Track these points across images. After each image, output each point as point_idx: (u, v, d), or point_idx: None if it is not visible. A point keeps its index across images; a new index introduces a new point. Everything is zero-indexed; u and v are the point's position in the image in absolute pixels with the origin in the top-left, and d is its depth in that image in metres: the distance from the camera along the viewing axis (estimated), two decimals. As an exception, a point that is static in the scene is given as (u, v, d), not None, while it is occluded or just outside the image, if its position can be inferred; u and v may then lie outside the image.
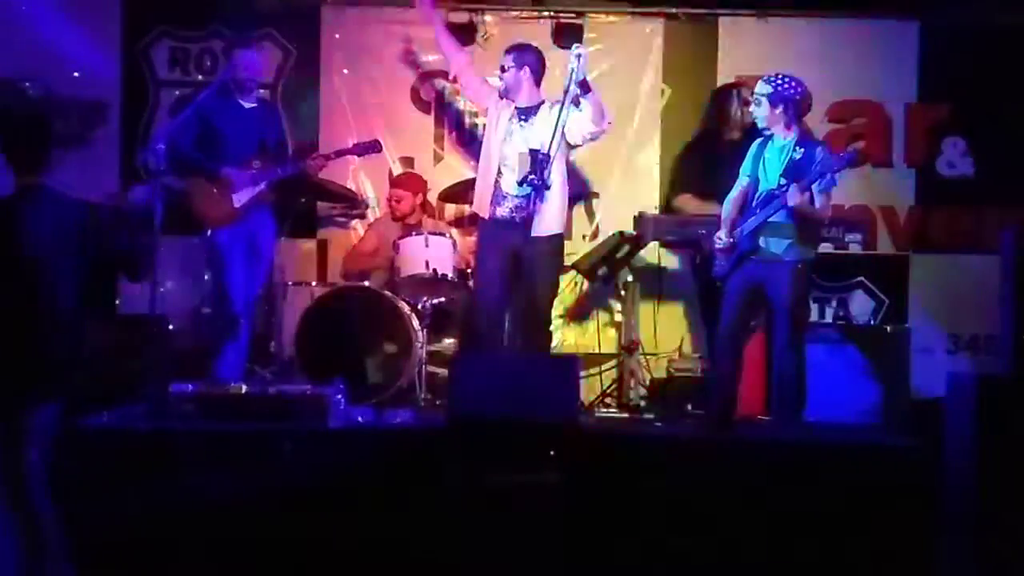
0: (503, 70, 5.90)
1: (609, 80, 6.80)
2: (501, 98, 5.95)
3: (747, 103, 5.89)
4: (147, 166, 6.53)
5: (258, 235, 6.17)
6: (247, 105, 6.18)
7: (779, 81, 5.40)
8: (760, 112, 5.44)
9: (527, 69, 5.85)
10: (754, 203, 5.44)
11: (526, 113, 5.86)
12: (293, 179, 6.23)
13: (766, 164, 5.46)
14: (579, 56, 5.48)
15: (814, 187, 5.29)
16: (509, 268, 5.81)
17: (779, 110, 5.39)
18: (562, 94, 5.57)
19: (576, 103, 5.57)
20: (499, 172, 5.85)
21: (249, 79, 6.18)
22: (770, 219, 5.35)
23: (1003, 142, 6.93)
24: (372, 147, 6.47)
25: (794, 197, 5.23)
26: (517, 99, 5.88)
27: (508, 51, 5.97)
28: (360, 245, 6.84)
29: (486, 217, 5.89)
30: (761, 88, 5.45)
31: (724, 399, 5.53)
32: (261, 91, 6.46)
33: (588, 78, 5.57)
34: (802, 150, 5.29)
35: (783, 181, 5.29)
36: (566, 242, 6.11)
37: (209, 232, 6.11)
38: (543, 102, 5.87)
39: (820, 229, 5.54)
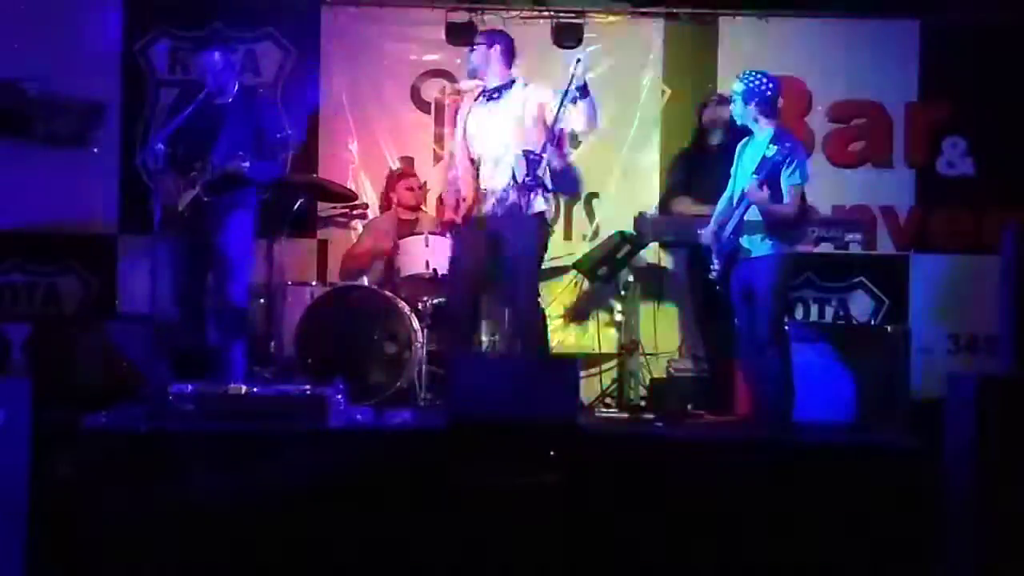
0: (471, 50, 5.91)
1: (609, 80, 6.81)
2: (469, 88, 5.96)
3: (724, 102, 6.03)
4: (146, 166, 6.56)
5: (214, 237, 5.79)
6: (218, 102, 5.83)
7: (750, 77, 5.45)
8: (736, 109, 5.53)
9: (497, 48, 5.83)
10: (735, 202, 5.48)
11: (497, 91, 5.82)
12: (229, 179, 5.73)
13: (744, 162, 5.51)
14: (579, 60, 5.53)
15: (783, 182, 5.31)
16: (484, 262, 5.76)
17: (752, 106, 5.43)
18: (561, 96, 5.55)
19: (573, 102, 5.58)
20: (477, 169, 5.80)
21: (209, 82, 5.81)
22: (746, 217, 5.38)
23: (1003, 142, 6.93)
24: None
25: (752, 192, 5.28)
26: (486, 78, 5.85)
27: (479, 33, 6.04)
28: (355, 247, 6.85)
29: (463, 220, 5.81)
30: (735, 86, 5.52)
31: (782, 397, 5.43)
32: (242, 87, 6.04)
33: (587, 83, 5.58)
34: (775, 146, 5.29)
35: (754, 177, 5.32)
36: (565, 242, 6.11)
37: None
38: (515, 81, 5.84)
39: (795, 224, 5.53)
